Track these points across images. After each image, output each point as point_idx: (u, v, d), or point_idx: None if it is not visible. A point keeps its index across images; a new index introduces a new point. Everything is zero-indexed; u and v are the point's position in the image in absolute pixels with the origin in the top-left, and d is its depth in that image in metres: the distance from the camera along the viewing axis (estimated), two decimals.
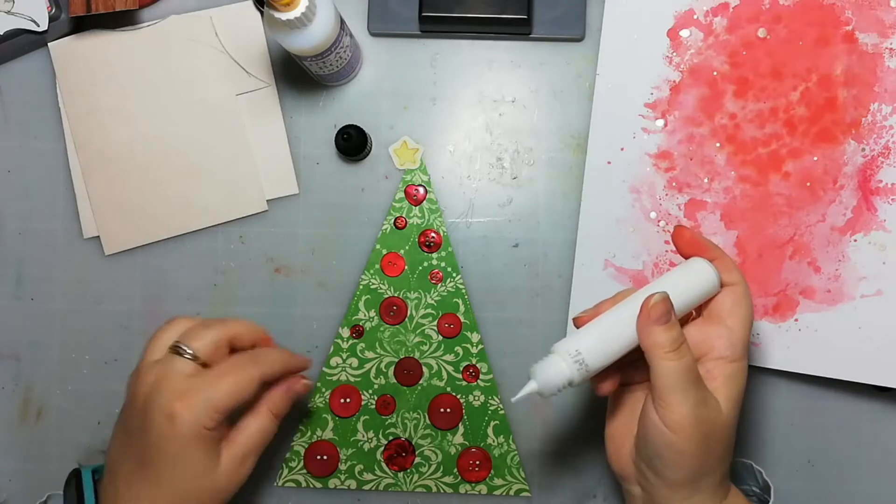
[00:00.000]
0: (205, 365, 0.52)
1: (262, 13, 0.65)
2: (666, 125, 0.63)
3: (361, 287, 0.65)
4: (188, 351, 0.51)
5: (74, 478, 0.56)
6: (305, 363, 0.57)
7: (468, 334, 0.64)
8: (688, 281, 0.50)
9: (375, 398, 0.64)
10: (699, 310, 0.52)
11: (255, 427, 0.53)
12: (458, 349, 0.64)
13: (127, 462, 0.52)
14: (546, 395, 0.48)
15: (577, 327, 0.50)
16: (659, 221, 0.63)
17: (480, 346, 0.64)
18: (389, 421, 0.64)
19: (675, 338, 0.47)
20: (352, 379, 0.64)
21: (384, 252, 0.65)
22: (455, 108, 0.66)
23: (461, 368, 0.64)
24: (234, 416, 0.53)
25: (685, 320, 0.52)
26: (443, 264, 0.65)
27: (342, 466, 0.64)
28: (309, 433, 0.64)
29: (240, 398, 0.51)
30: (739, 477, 0.61)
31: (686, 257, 0.52)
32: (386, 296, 0.65)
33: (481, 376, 0.64)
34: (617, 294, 0.52)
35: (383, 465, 0.64)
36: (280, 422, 0.55)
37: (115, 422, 0.54)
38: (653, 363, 0.47)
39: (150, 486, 0.50)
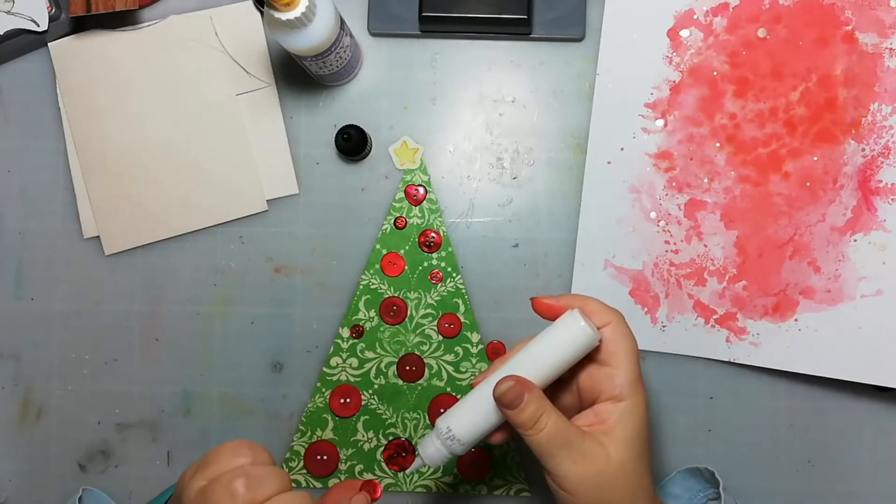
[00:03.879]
0: None
1: (262, 13, 0.65)
2: (666, 125, 0.63)
3: (361, 287, 0.65)
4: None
5: None
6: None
7: (468, 334, 0.64)
8: (558, 342, 0.49)
9: (376, 398, 0.64)
10: (593, 354, 0.50)
11: None
12: (458, 349, 0.64)
13: None
14: (436, 466, 0.51)
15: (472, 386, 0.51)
16: (659, 221, 0.63)
17: (480, 346, 0.64)
18: (389, 421, 0.64)
19: (531, 416, 0.47)
20: (352, 379, 0.64)
21: (384, 252, 0.65)
22: (455, 108, 0.66)
23: (461, 368, 0.64)
24: None
25: (588, 359, 0.50)
26: (443, 264, 0.65)
27: (342, 466, 0.64)
28: (309, 433, 0.64)
29: None
30: (694, 484, 0.61)
31: (554, 318, 0.51)
32: (386, 296, 0.65)
33: None
34: (513, 348, 0.52)
35: (383, 465, 0.64)
36: None
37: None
38: (524, 438, 0.48)
39: None
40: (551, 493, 0.49)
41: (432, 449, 0.50)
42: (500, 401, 0.48)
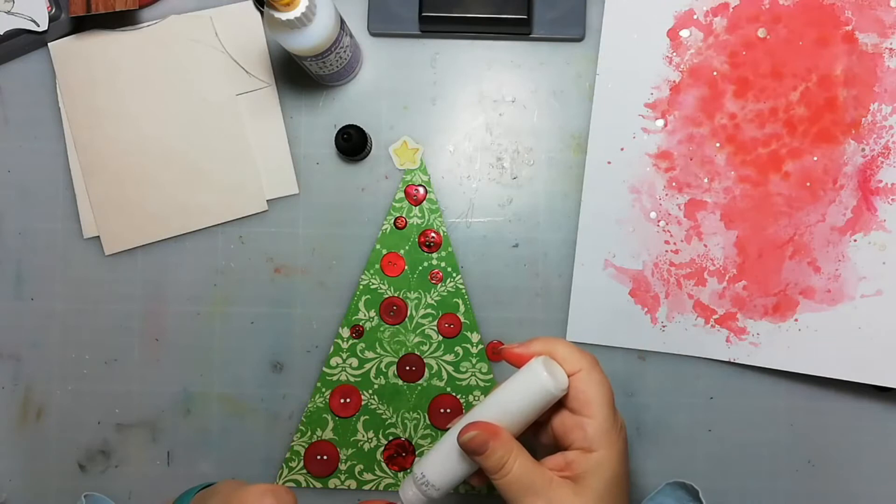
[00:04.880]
0: None
1: (262, 13, 0.65)
2: (666, 125, 0.63)
3: (361, 287, 0.65)
4: None
5: None
6: None
7: (468, 334, 0.64)
8: (523, 392, 0.48)
9: (376, 398, 0.64)
10: (564, 401, 0.50)
11: None
12: (458, 349, 0.64)
13: None
14: None
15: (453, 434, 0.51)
16: (659, 221, 0.63)
17: (480, 346, 0.64)
18: (389, 421, 0.64)
19: (497, 461, 0.47)
20: (352, 379, 0.64)
21: (384, 252, 0.65)
22: (455, 108, 0.66)
23: (461, 368, 0.64)
24: None
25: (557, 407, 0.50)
26: (443, 264, 0.65)
27: (342, 466, 0.64)
28: (309, 433, 0.64)
29: None
30: (684, 495, 0.61)
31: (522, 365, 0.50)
32: (386, 296, 0.65)
33: (481, 376, 0.64)
34: (479, 403, 0.51)
35: (383, 465, 0.64)
36: None
37: None
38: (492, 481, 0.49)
39: None
40: None
41: (410, 493, 0.50)
42: (466, 448, 0.48)
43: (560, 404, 0.50)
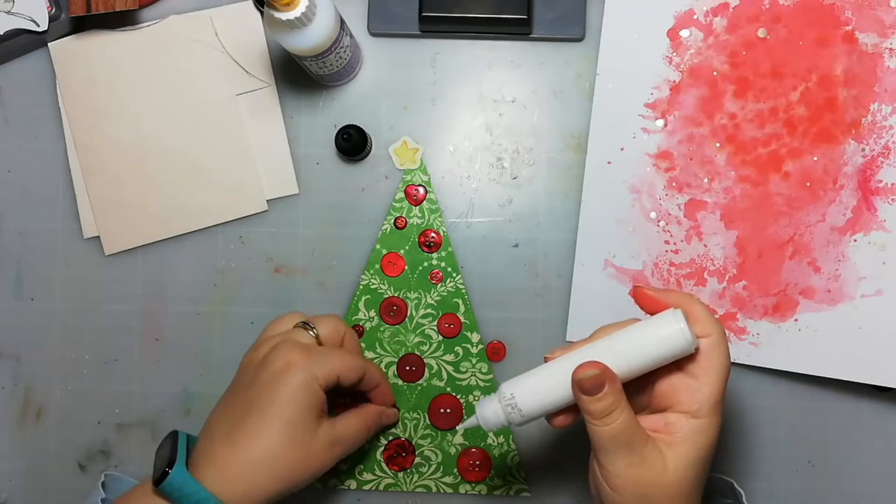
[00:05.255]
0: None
1: (262, 13, 0.65)
2: (666, 125, 0.63)
3: (361, 287, 0.65)
4: (313, 329, 0.58)
5: (170, 438, 0.56)
6: (394, 402, 0.64)
7: (468, 334, 0.64)
8: (652, 339, 0.46)
9: None
10: (681, 362, 0.48)
11: (353, 423, 0.58)
12: (458, 349, 0.64)
13: (231, 417, 0.54)
14: (489, 430, 0.49)
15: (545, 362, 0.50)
16: (659, 221, 0.63)
17: (480, 346, 0.64)
18: None
19: (604, 408, 0.45)
20: None
21: (384, 252, 0.65)
22: (455, 108, 0.66)
23: (461, 368, 0.64)
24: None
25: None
26: (443, 264, 0.65)
27: (342, 466, 0.64)
28: None
29: (347, 376, 0.56)
30: (718, 491, 0.60)
31: (654, 313, 0.48)
32: (386, 296, 0.65)
33: (481, 376, 0.64)
34: (594, 332, 0.49)
35: (383, 465, 0.64)
36: (368, 437, 0.60)
37: (222, 396, 0.58)
38: (586, 424, 0.47)
39: (252, 433, 0.53)
40: (591, 478, 0.48)
41: (490, 411, 0.48)
42: (579, 384, 0.46)
43: (673, 365, 0.47)
